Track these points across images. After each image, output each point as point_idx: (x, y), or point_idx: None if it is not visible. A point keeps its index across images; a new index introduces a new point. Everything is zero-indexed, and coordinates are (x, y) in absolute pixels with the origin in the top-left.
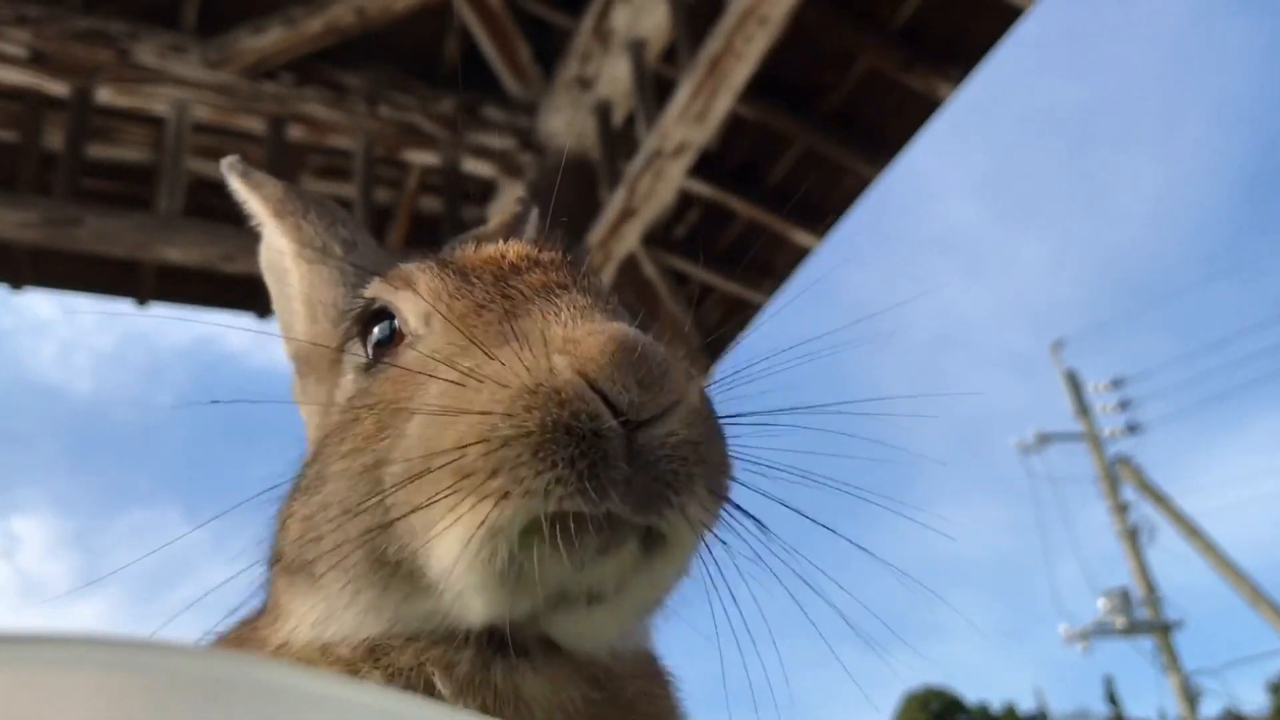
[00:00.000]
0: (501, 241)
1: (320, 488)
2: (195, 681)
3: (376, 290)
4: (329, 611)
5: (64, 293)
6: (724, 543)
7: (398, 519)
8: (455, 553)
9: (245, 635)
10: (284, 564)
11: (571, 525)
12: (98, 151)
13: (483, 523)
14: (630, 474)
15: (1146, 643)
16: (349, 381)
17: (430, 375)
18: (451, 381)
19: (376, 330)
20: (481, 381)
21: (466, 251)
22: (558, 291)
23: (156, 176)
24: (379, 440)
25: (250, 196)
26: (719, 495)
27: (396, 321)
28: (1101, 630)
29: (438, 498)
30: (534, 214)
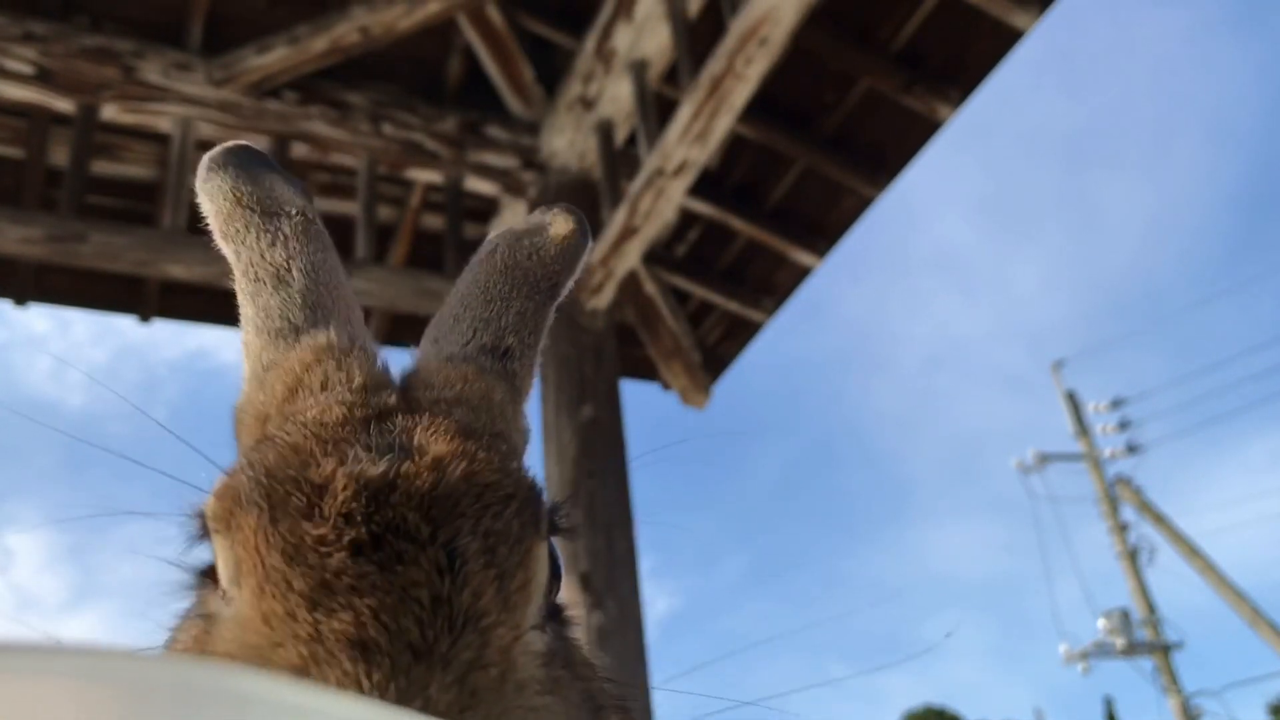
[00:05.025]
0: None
1: None
2: (172, 691)
3: (208, 509)
4: None
5: (67, 309)
6: None
7: None
8: None
9: None
10: None
11: None
12: (102, 168)
13: None
14: None
15: (1146, 663)
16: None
17: None
18: None
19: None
20: None
21: (307, 483)
22: (358, 667)
23: (161, 193)
24: None
25: (205, 208)
26: None
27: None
28: (1101, 651)
29: None
30: (585, 253)
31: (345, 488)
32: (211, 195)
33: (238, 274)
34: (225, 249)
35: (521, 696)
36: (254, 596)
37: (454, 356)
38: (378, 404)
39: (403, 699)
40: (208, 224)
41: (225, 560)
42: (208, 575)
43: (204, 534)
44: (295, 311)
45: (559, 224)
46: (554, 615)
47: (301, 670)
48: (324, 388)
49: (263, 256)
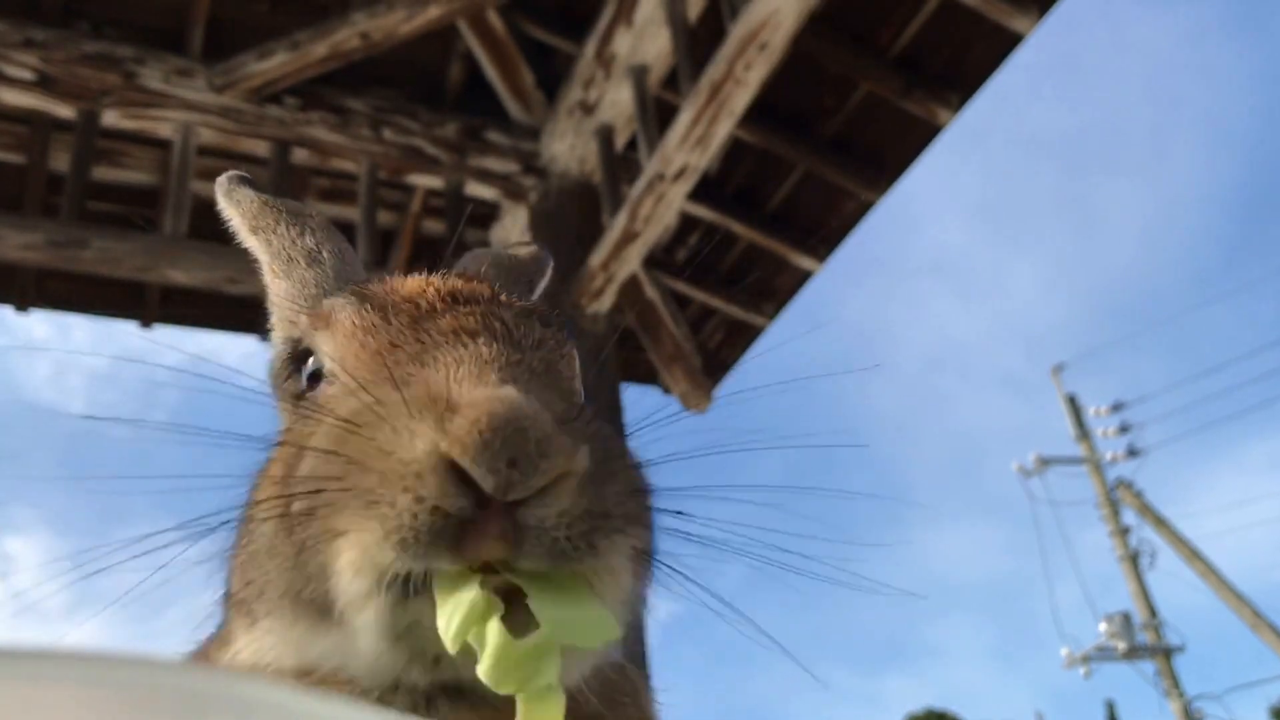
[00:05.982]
0: (436, 277)
1: (251, 535)
2: (176, 695)
3: (302, 328)
4: (267, 645)
5: (68, 314)
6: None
7: (305, 562)
8: (348, 604)
9: (199, 656)
10: (232, 601)
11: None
12: (104, 174)
13: (364, 578)
14: (511, 543)
15: (1148, 667)
16: (284, 417)
17: (331, 428)
18: (334, 454)
19: (306, 367)
20: (362, 461)
21: (393, 284)
22: (465, 339)
23: (162, 199)
24: (285, 491)
25: (230, 213)
26: (637, 548)
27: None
28: (1103, 654)
29: (328, 558)
30: (550, 269)
31: (420, 283)
32: (239, 200)
33: (268, 260)
34: (254, 241)
35: (597, 423)
36: (361, 349)
37: None
38: None
39: (508, 357)
40: (232, 227)
41: (330, 349)
42: (307, 388)
43: (297, 358)
44: (329, 283)
45: (525, 247)
46: None
47: (418, 358)
48: None
49: (294, 242)
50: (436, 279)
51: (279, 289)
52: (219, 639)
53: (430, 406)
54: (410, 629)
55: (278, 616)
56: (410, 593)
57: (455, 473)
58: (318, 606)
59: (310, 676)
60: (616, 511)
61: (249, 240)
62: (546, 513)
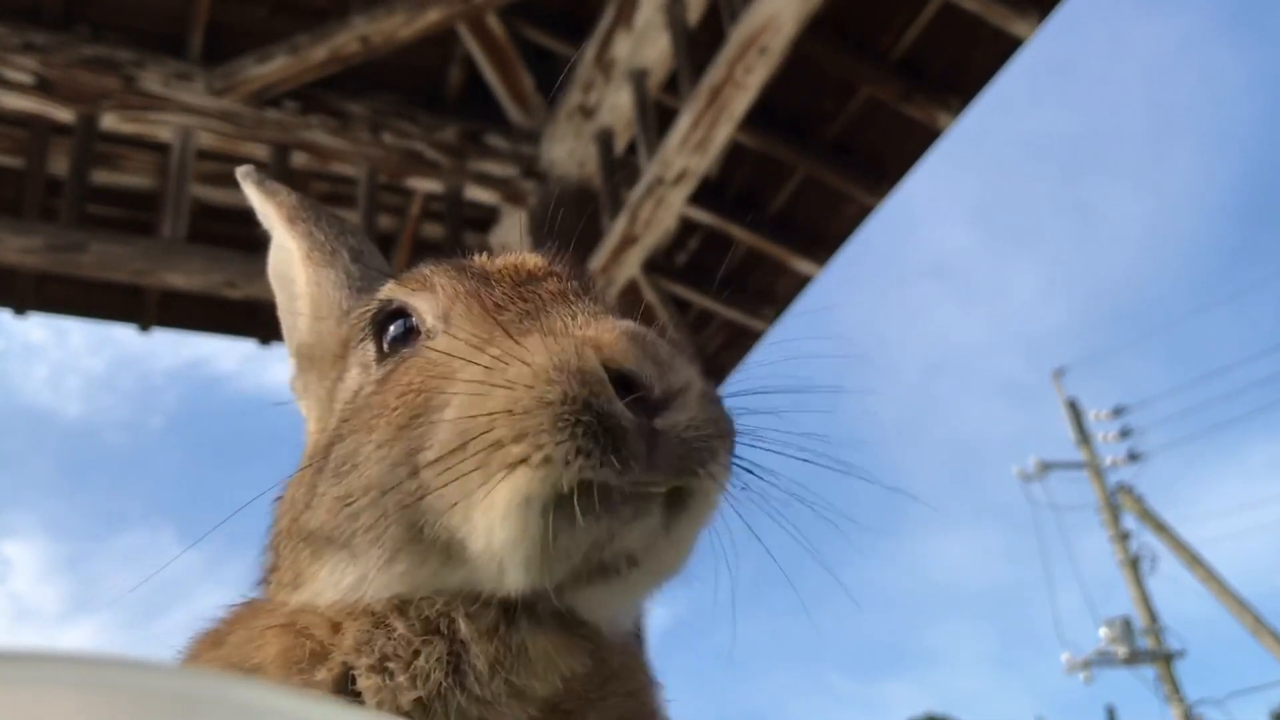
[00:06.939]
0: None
1: (353, 470)
2: (173, 699)
3: (391, 292)
4: (362, 576)
5: (67, 318)
6: (739, 499)
7: (435, 495)
8: (491, 525)
9: (255, 606)
10: (309, 538)
11: (597, 494)
12: (103, 178)
13: (514, 493)
14: (649, 451)
15: (1149, 672)
16: (355, 376)
17: (462, 360)
18: (481, 365)
19: (392, 328)
20: (508, 363)
21: (481, 259)
22: (573, 298)
23: (161, 203)
24: (412, 428)
25: (264, 202)
26: (730, 461)
27: (413, 320)
28: (1103, 659)
29: (471, 471)
30: None
31: (511, 258)
32: (274, 191)
33: (308, 248)
34: (293, 229)
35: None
36: (467, 308)
37: None
38: None
39: (608, 311)
40: (264, 217)
41: (430, 308)
42: (396, 344)
43: (385, 318)
44: (370, 277)
45: None
46: None
47: (529, 315)
48: None
49: (337, 238)
50: (525, 256)
51: (319, 276)
52: (279, 583)
53: (569, 338)
54: (556, 548)
55: (390, 549)
56: (564, 512)
57: (618, 382)
58: (445, 539)
59: (412, 599)
60: (725, 430)
61: (283, 228)
62: (677, 418)
